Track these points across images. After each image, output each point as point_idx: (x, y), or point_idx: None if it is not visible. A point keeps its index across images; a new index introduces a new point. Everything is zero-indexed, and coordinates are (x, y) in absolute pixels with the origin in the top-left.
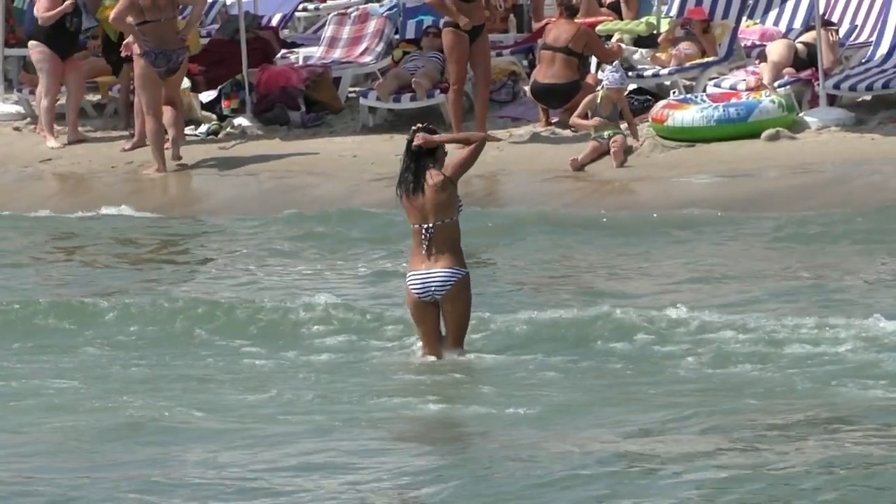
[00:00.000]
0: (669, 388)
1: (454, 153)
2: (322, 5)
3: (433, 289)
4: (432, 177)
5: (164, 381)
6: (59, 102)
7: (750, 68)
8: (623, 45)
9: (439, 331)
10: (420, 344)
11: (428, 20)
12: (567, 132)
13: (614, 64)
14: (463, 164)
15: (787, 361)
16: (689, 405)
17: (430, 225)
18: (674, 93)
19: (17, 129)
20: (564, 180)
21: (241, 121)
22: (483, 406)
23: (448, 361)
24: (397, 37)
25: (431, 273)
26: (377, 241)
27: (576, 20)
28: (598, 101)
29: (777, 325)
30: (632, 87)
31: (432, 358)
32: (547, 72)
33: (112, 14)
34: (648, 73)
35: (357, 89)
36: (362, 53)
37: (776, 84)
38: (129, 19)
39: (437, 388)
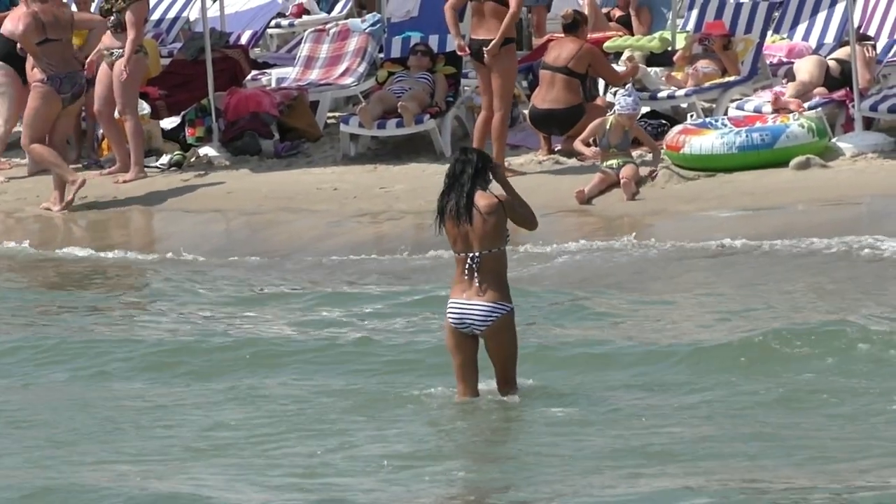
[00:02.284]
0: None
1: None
2: (297, 21)
3: (470, 322)
4: (481, 199)
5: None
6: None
7: (776, 88)
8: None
9: (475, 366)
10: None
11: (415, 37)
12: (572, 161)
13: (627, 86)
14: (518, 212)
15: None
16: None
17: (476, 254)
18: (691, 116)
19: None
20: (569, 215)
21: (207, 150)
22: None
23: (488, 402)
24: (381, 56)
25: (471, 305)
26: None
27: (580, 36)
28: (608, 126)
29: None
30: (644, 109)
31: (464, 396)
32: (546, 95)
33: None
34: (663, 94)
35: (337, 114)
36: (342, 74)
37: (806, 105)
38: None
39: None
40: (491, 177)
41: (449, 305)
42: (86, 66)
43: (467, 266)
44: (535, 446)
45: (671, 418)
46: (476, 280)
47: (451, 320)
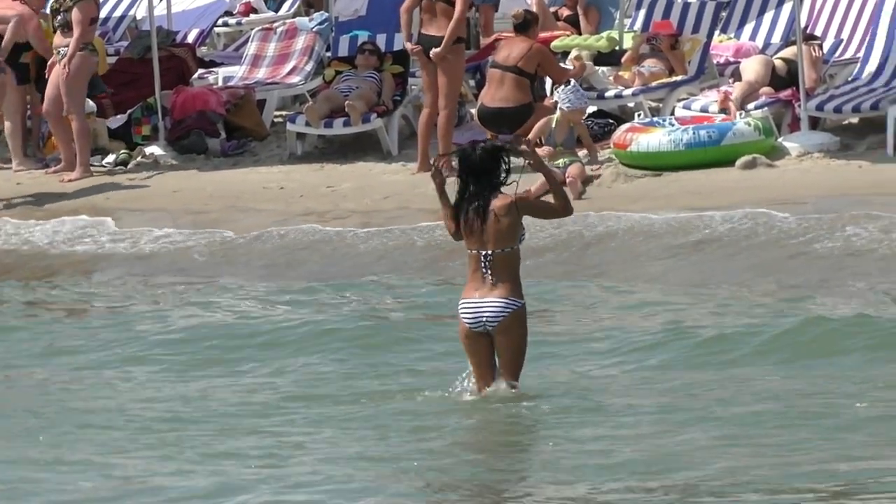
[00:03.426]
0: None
1: None
2: (244, 20)
3: (485, 319)
4: (496, 200)
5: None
6: None
7: (723, 88)
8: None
9: (493, 364)
10: (472, 380)
11: (363, 36)
12: (518, 161)
13: (571, 83)
14: (537, 207)
15: None
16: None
17: (489, 252)
18: (638, 115)
19: None
20: None
21: (153, 149)
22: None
23: (496, 398)
24: (329, 54)
25: (485, 301)
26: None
27: (531, 36)
28: (553, 125)
29: None
30: (591, 109)
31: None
32: (495, 94)
33: None
34: (610, 93)
35: (284, 113)
36: (290, 73)
37: (752, 105)
38: None
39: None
40: (520, 159)
41: (462, 305)
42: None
43: (481, 264)
44: (536, 444)
45: (650, 418)
46: (489, 278)
47: (465, 320)
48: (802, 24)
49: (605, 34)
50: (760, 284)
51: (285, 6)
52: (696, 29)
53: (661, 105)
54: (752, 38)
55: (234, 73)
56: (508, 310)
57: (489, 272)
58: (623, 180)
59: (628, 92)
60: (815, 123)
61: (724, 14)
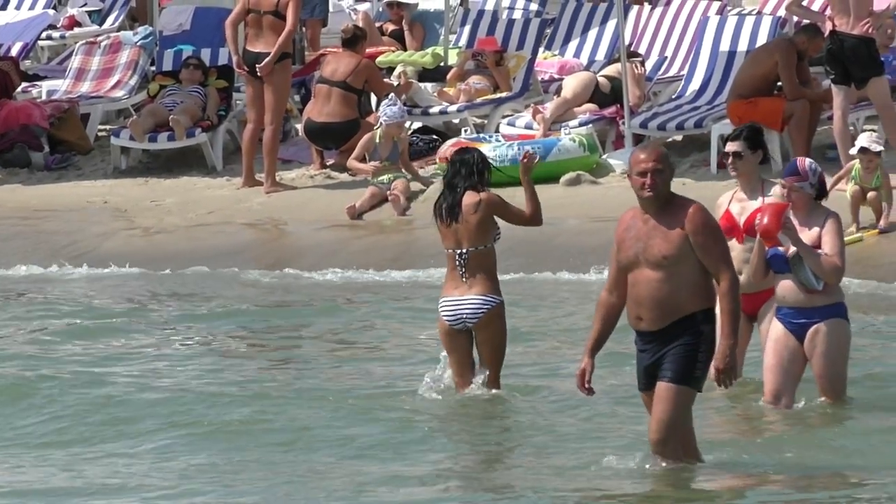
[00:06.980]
0: None
1: None
2: (68, 33)
3: (465, 316)
4: (467, 198)
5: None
6: None
7: (546, 105)
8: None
9: (472, 361)
10: (450, 373)
11: (187, 50)
12: (344, 176)
13: (390, 97)
14: (507, 209)
15: None
16: None
17: (464, 251)
18: (464, 132)
19: None
20: (340, 230)
21: None
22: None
23: (475, 397)
24: (153, 69)
25: (463, 300)
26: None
27: (358, 51)
28: (378, 140)
29: None
30: (417, 125)
31: (463, 390)
32: (322, 109)
33: None
34: (435, 109)
35: (108, 127)
36: (114, 87)
37: (577, 122)
38: None
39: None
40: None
41: (441, 303)
42: None
43: (457, 262)
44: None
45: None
46: (465, 276)
47: (445, 318)
48: (626, 42)
49: (430, 50)
50: None
51: (109, 20)
52: (520, 45)
53: (485, 121)
54: (577, 55)
55: (58, 86)
56: (487, 307)
57: (465, 270)
58: None
59: (453, 108)
60: (639, 141)
61: (548, 31)
